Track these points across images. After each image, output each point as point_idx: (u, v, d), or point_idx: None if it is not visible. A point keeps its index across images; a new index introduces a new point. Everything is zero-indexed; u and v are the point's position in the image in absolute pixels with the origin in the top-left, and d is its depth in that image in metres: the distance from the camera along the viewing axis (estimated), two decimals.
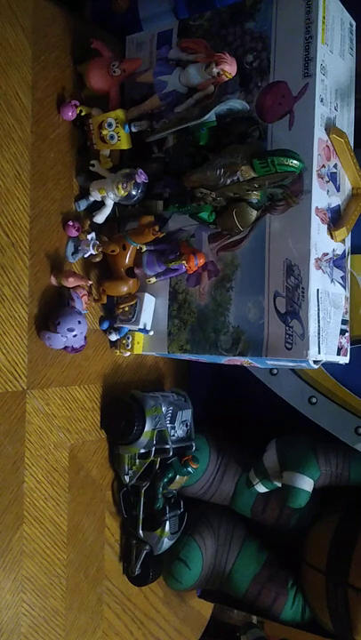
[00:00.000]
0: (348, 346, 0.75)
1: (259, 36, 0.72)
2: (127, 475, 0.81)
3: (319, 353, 0.69)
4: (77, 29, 0.78)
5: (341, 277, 0.74)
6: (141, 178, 0.72)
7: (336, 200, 0.73)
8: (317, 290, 0.69)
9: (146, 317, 0.80)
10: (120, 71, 0.75)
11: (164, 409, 0.81)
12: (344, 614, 0.79)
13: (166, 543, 0.83)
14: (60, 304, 0.74)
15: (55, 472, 0.75)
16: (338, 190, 0.73)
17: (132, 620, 0.88)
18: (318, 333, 0.69)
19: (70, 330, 0.70)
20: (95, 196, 0.76)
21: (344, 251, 0.74)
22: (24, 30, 0.71)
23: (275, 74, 0.71)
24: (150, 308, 0.80)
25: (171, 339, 0.79)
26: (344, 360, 0.75)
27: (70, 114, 0.75)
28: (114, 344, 0.83)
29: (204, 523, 0.90)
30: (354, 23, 0.76)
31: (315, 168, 0.68)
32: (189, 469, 0.82)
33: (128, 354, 0.83)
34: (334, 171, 0.72)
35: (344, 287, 0.75)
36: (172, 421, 0.82)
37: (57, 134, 0.75)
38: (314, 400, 0.82)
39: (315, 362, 0.70)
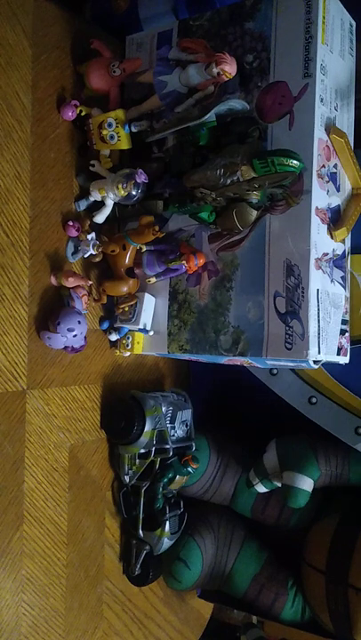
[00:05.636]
0: (348, 346, 0.75)
1: (259, 35, 0.72)
2: (127, 475, 0.81)
3: (319, 353, 0.69)
4: (77, 29, 0.78)
5: (341, 277, 0.74)
6: (141, 178, 0.72)
7: (336, 200, 0.73)
8: (317, 290, 0.69)
9: (146, 317, 0.80)
10: (120, 71, 0.75)
11: (164, 409, 0.81)
12: (344, 614, 0.79)
13: (166, 543, 0.83)
14: (60, 304, 0.74)
15: (55, 472, 0.75)
16: (338, 190, 0.73)
17: (132, 620, 0.88)
18: (318, 333, 0.69)
19: (70, 330, 0.70)
20: (95, 196, 0.76)
21: (344, 251, 0.74)
22: (24, 30, 0.71)
23: (275, 74, 0.71)
24: (150, 308, 0.80)
25: (171, 339, 0.79)
26: (344, 360, 0.75)
27: (70, 114, 0.75)
28: (114, 344, 0.83)
29: (204, 523, 0.90)
30: (354, 23, 0.76)
31: (315, 168, 0.68)
32: (189, 469, 0.82)
33: (128, 354, 0.83)
34: (334, 171, 0.72)
35: (344, 287, 0.75)
36: (172, 421, 0.82)
37: (57, 134, 0.75)
38: (314, 400, 0.82)
39: (315, 362, 0.70)
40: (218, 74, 0.69)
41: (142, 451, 0.79)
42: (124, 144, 0.75)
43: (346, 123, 0.75)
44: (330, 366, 0.78)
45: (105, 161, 0.77)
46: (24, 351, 0.71)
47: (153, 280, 0.79)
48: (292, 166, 0.65)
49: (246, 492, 0.89)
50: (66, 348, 0.73)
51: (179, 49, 0.74)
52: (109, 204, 0.76)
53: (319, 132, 0.69)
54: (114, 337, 0.82)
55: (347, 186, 0.75)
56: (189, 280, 0.78)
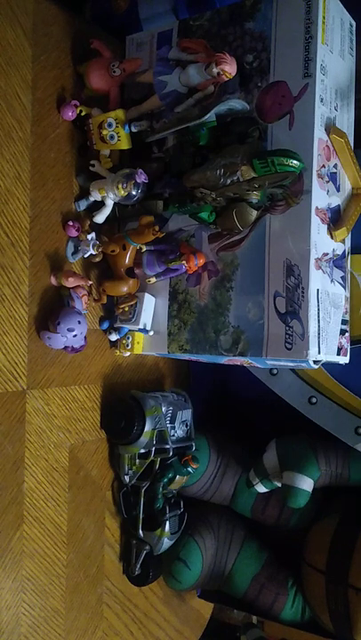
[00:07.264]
0: (348, 346, 0.75)
1: (259, 35, 0.72)
2: (127, 475, 0.81)
3: (319, 353, 0.69)
4: (77, 29, 0.78)
5: (341, 277, 0.74)
6: (141, 178, 0.72)
7: (336, 200, 0.73)
8: (317, 290, 0.69)
9: (146, 317, 0.80)
10: (120, 71, 0.75)
11: (163, 409, 0.81)
12: (344, 614, 0.79)
13: (166, 543, 0.83)
14: (60, 304, 0.74)
15: (55, 472, 0.75)
16: (338, 190, 0.73)
17: (132, 620, 0.88)
18: (318, 333, 0.69)
19: (70, 330, 0.70)
20: (95, 195, 0.76)
21: (344, 251, 0.74)
22: (24, 30, 0.71)
23: (275, 74, 0.71)
24: (150, 308, 0.80)
25: (171, 339, 0.79)
26: (344, 360, 0.75)
27: (70, 114, 0.75)
28: (114, 344, 0.83)
29: (204, 523, 0.90)
30: (354, 23, 0.76)
31: (315, 168, 0.68)
32: (189, 469, 0.82)
33: (128, 354, 0.83)
34: (334, 171, 0.72)
35: (344, 287, 0.75)
36: (172, 421, 0.82)
37: (57, 134, 0.75)
38: (314, 400, 0.82)
39: (315, 362, 0.70)
40: (218, 74, 0.69)
41: (142, 451, 0.80)
42: (124, 144, 0.75)
43: (346, 123, 0.75)
44: (330, 366, 0.78)
45: (105, 161, 0.77)
46: (24, 351, 0.71)
47: (153, 280, 0.79)
48: (292, 166, 0.65)
49: (246, 492, 0.89)
50: (66, 348, 0.73)
51: (179, 49, 0.74)
52: (109, 203, 0.76)
53: (319, 132, 0.69)
54: (114, 337, 0.82)
55: (347, 186, 0.75)
56: (189, 280, 0.78)
